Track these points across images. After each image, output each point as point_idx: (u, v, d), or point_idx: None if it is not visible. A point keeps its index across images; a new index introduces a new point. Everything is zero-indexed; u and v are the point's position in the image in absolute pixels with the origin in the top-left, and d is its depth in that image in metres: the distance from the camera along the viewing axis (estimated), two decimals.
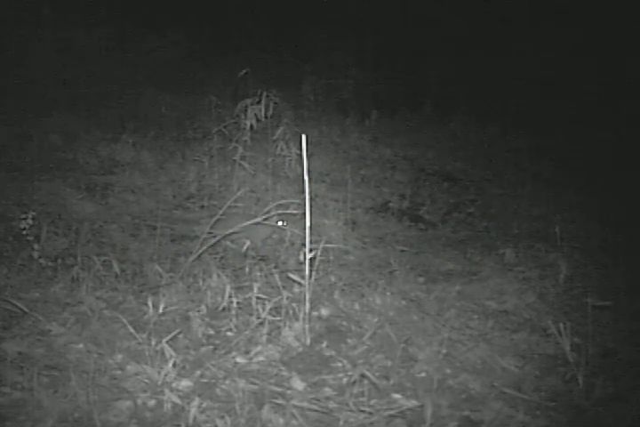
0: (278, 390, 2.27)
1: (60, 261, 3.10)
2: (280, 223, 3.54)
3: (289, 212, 3.42)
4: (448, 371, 2.46)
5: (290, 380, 2.35)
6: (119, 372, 2.31)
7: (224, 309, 2.75)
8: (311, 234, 2.58)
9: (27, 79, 5.64)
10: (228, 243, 3.53)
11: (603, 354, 2.60)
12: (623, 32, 7.11)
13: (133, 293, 2.90)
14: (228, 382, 2.30)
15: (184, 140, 5.36)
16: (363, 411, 2.17)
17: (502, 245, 3.93)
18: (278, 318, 2.68)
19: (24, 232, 3.09)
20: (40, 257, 3.05)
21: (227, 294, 2.75)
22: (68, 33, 6.51)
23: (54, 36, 6.35)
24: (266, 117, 4.21)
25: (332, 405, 2.21)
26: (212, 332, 2.66)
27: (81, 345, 2.45)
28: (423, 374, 2.43)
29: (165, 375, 2.25)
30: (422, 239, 4.16)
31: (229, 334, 2.65)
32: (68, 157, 4.69)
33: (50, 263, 3.06)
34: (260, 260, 3.45)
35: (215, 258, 3.38)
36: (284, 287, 2.83)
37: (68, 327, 2.56)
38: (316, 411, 2.17)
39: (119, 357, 2.39)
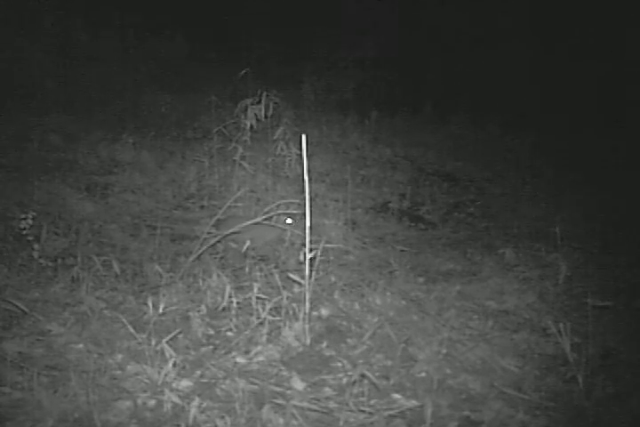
0: (278, 390, 2.27)
1: (59, 261, 3.10)
2: (289, 221, 3.54)
3: (289, 212, 3.42)
4: (448, 371, 2.46)
5: (290, 380, 2.35)
6: (119, 372, 2.31)
7: (224, 309, 2.75)
8: (311, 234, 2.58)
9: (27, 79, 5.64)
10: (228, 243, 3.53)
11: (603, 354, 2.60)
12: (623, 32, 7.11)
13: (133, 293, 2.90)
14: (228, 382, 2.30)
15: (184, 140, 5.36)
16: (363, 411, 2.17)
17: (502, 245, 3.93)
18: (278, 318, 2.68)
19: (24, 232, 3.09)
20: (40, 257, 3.04)
21: (227, 294, 2.75)
22: (68, 33, 6.50)
23: (54, 36, 6.34)
24: (266, 117, 4.20)
25: (332, 405, 2.21)
26: (211, 332, 2.66)
27: (81, 345, 2.45)
28: (423, 374, 2.44)
29: (165, 375, 2.25)
30: (422, 239, 4.16)
31: (229, 334, 2.65)
32: (68, 157, 4.69)
33: (50, 263, 3.06)
34: (260, 260, 3.45)
35: (215, 258, 3.38)
36: (284, 287, 2.82)
37: (68, 327, 2.56)
38: (316, 411, 2.17)
39: (119, 357, 2.39)
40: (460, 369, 2.48)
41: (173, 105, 6.06)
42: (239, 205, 4.02)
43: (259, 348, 2.53)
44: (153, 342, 2.39)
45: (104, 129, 5.19)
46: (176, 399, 2.15)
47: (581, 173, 5.47)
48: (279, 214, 3.48)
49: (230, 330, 2.67)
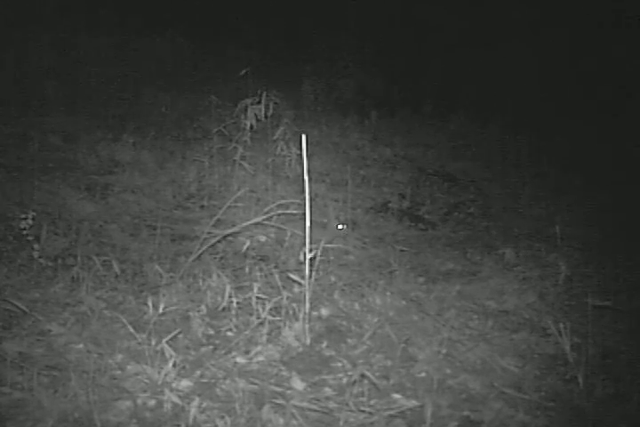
0: (278, 390, 2.27)
1: (60, 261, 3.10)
2: (340, 226, 3.60)
3: (289, 212, 3.42)
4: (448, 371, 2.46)
5: (290, 380, 2.35)
6: (119, 372, 2.31)
7: (224, 309, 2.75)
8: (311, 234, 2.58)
9: (27, 79, 5.64)
10: (228, 243, 3.53)
11: (603, 354, 2.60)
12: (623, 31, 7.11)
13: (133, 293, 2.90)
14: (228, 382, 2.30)
15: (184, 140, 5.36)
16: (363, 411, 2.17)
17: (502, 245, 3.93)
18: (278, 318, 2.68)
19: (24, 232, 3.09)
20: (40, 257, 3.04)
21: (227, 294, 2.75)
22: (68, 33, 6.51)
23: (54, 36, 6.35)
24: (266, 117, 4.21)
25: (332, 405, 2.21)
26: (211, 332, 2.66)
27: (81, 345, 2.45)
28: (423, 374, 2.44)
29: (165, 375, 2.25)
30: (422, 239, 4.15)
31: (229, 334, 2.65)
32: (68, 157, 4.68)
33: (50, 263, 3.06)
34: (260, 260, 3.45)
35: (215, 258, 3.38)
36: (284, 287, 2.83)
37: (68, 327, 2.56)
38: (316, 411, 2.17)
39: (119, 357, 2.39)
40: (460, 369, 2.48)
41: (173, 105, 6.05)
42: (239, 205, 4.02)
43: (259, 348, 2.53)
44: (153, 342, 2.39)
45: (104, 129, 5.18)
46: (176, 399, 2.15)
47: (581, 174, 5.46)
48: (279, 214, 3.48)
49: (230, 330, 2.67)
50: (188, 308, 2.77)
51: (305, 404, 2.19)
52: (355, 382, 2.28)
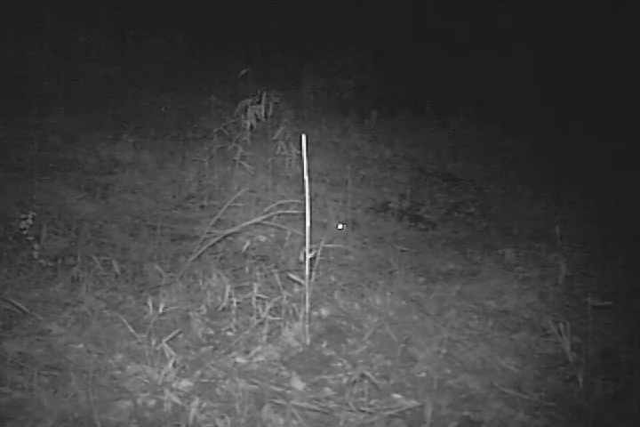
0: (278, 390, 2.27)
1: (60, 261, 3.10)
2: (340, 226, 3.61)
3: (289, 212, 3.42)
4: (448, 371, 2.46)
5: (290, 380, 2.35)
6: (119, 372, 2.31)
7: (224, 309, 2.76)
8: (311, 234, 2.58)
9: (27, 79, 5.64)
10: (228, 243, 3.53)
11: (603, 354, 2.60)
12: (623, 32, 7.12)
13: (133, 293, 2.90)
14: (227, 382, 2.30)
15: (184, 140, 5.35)
16: (363, 411, 2.17)
17: (502, 245, 3.93)
18: (278, 318, 2.68)
19: (24, 232, 3.09)
20: (40, 257, 3.04)
21: (227, 294, 2.75)
22: (68, 33, 6.51)
23: (54, 36, 6.35)
24: (266, 117, 4.21)
25: (332, 405, 2.21)
26: (211, 332, 2.66)
27: (81, 345, 2.45)
28: (423, 374, 2.44)
29: (165, 375, 2.25)
30: (422, 239, 4.15)
31: (229, 334, 2.65)
32: (68, 157, 4.68)
33: (50, 263, 3.06)
34: (260, 260, 3.45)
35: (215, 258, 3.38)
36: (284, 287, 2.83)
37: (68, 327, 2.56)
38: (316, 411, 2.17)
39: (119, 357, 2.39)
40: (460, 369, 2.48)
41: (173, 105, 6.05)
42: (239, 205, 4.02)
43: (259, 348, 2.53)
44: (153, 342, 2.39)
45: (104, 129, 5.18)
46: (176, 399, 2.15)
47: (581, 174, 5.46)
48: (279, 214, 3.48)
49: (230, 330, 2.67)
50: (188, 308, 2.77)
51: (305, 404, 2.19)
52: (355, 382, 2.28)
